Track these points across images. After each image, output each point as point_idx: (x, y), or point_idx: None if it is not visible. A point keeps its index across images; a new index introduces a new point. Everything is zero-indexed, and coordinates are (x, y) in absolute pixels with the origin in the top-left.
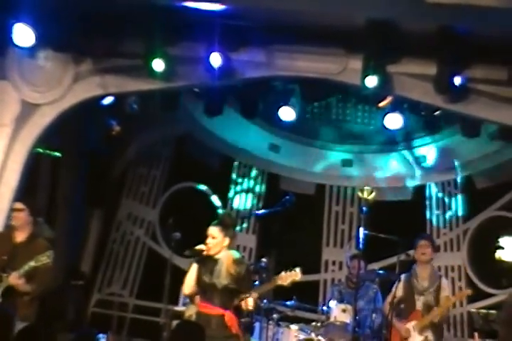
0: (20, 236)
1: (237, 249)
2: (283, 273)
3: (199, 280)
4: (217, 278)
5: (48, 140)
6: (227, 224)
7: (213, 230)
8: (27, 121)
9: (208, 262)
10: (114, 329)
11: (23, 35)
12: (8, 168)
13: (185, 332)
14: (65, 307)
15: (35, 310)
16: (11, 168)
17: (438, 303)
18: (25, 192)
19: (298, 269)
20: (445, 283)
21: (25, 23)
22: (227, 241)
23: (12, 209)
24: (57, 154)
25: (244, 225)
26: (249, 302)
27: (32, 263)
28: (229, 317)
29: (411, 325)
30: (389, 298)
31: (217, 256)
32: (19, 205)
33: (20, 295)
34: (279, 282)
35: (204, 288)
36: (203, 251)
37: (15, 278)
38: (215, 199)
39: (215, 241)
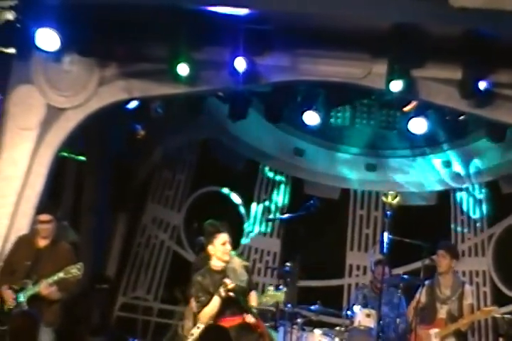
0: (43, 241)
1: (262, 253)
2: (270, 291)
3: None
4: (238, 280)
5: (73, 144)
6: (216, 233)
7: (228, 236)
8: (52, 125)
9: (218, 278)
10: (139, 334)
11: (48, 39)
12: (33, 171)
13: (212, 335)
14: (90, 311)
15: (61, 314)
16: (36, 171)
17: (461, 312)
18: (51, 195)
19: (284, 289)
20: (468, 290)
21: (50, 27)
22: None
23: (39, 221)
24: (82, 158)
25: (269, 229)
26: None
27: (61, 275)
28: (250, 318)
29: (433, 332)
30: (413, 303)
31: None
32: (46, 217)
33: (49, 302)
34: (264, 300)
35: (224, 307)
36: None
37: (47, 287)
38: (239, 203)
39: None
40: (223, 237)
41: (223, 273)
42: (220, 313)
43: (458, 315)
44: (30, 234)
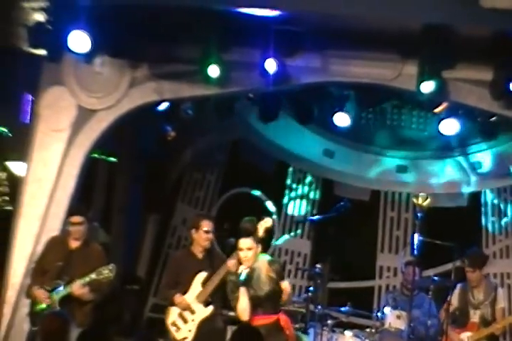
0: (75, 242)
1: (292, 254)
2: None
3: None
4: (259, 287)
5: (104, 145)
6: (253, 231)
7: (248, 242)
8: (83, 127)
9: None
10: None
11: (79, 41)
12: (64, 172)
13: (243, 337)
14: (121, 312)
15: (92, 315)
16: (67, 172)
17: (494, 316)
18: (82, 197)
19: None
20: (501, 294)
21: (81, 29)
22: (259, 247)
23: (71, 223)
24: (113, 159)
25: (299, 231)
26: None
27: (93, 276)
28: (283, 319)
29: (466, 335)
30: (445, 305)
31: (252, 266)
32: (78, 219)
33: (80, 303)
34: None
35: (252, 302)
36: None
37: (79, 288)
38: (269, 205)
39: (252, 252)
40: (239, 243)
41: (253, 271)
42: (253, 311)
43: (491, 320)
44: (63, 235)
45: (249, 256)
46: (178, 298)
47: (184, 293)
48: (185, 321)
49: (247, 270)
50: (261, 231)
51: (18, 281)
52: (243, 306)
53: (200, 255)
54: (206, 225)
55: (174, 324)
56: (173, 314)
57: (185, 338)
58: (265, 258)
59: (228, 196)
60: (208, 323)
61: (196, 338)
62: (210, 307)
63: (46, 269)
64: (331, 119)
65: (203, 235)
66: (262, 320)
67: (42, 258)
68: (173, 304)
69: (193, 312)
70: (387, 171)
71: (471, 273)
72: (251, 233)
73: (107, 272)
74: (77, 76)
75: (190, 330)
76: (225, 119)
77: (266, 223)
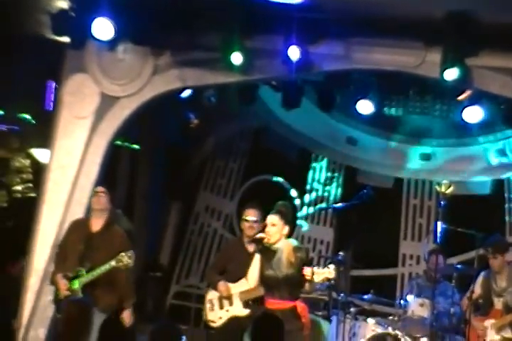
0: (96, 225)
1: (315, 242)
2: (315, 269)
3: (261, 275)
4: (278, 269)
5: (127, 132)
6: (286, 213)
7: (273, 218)
8: (106, 114)
9: (267, 253)
10: (192, 322)
11: (102, 28)
12: (88, 160)
13: (265, 325)
14: (144, 299)
15: (114, 301)
16: (90, 160)
17: None
18: (105, 184)
19: (332, 266)
20: None
21: (104, 16)
22: (286, 229)
23: (94, 193)
24: (136, 147)
25: (322, 218)
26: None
27: (113, 263)
28: (301, 306)
29: (489, 323)
30: (468, 293)
31: (276, 246)
32: (101, 189)
33: (106, 287)
34: (308, 278)
35: (267, 283)
36: (263, 238)
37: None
38: (292, 192)
39: (275, 228)
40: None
41: (272, 250)
42: (269, 292)
43: None
44: (85, 217)
45: (271, 231)
46: (222, 285)
47: (229, 281)
48: (221, 306)
49: (262, 235)
50: (320, 278)
51: (42, 268)
52: (253, 274)
53: (250, 247)
54: (248, 214)
55: (211, 302)
56: (213, 293)
57: (213, 321)
58: (292, 242)
59: (251, 183)
60: (238, 321)
61: (222, 329)
62: (247, 311)
63: (68, 253)
64: (353, 106)
65: (245, 224)
66: (277, 305)
67: (64, 242)
68: (215, 289)
69: (231, 303)
70: (410, 158)
71: (493, 259)
72: (281, 213)
73: (126, 259)
74: (100, 63)
75: (220, 317)
76: (247, 107)
77: (328, 274)
